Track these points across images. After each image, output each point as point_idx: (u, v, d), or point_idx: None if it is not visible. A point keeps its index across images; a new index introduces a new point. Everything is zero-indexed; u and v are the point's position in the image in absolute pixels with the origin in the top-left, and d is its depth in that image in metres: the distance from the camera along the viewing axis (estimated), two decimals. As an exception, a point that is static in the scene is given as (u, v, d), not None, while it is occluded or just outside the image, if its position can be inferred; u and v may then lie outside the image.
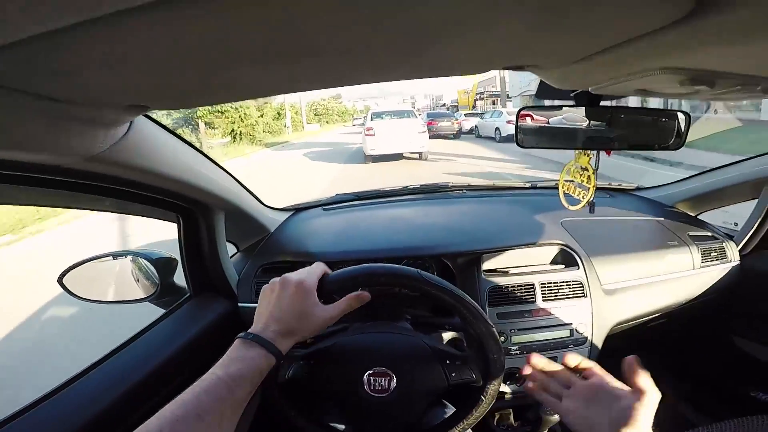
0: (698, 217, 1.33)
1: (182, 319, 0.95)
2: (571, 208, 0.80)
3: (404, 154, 10.00)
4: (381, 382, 0.65)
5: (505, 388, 0.99)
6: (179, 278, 1.02)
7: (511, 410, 1.14)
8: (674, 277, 1.11)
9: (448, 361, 0.67)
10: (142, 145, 0.60)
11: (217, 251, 0.98)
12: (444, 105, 56.01)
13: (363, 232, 1.20)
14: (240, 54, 0.33)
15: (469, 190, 1.45)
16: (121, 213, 0.82)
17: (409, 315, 0.83)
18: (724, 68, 0.37)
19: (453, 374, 0.66)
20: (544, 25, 0.31)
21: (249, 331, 0.55)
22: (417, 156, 9.98)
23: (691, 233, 1.19)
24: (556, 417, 0.91)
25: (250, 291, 1.06)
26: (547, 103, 0.74)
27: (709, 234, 1.21)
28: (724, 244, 1.18)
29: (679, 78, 0.40)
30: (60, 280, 0.90)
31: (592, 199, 0.75)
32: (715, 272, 1.15)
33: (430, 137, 13.10)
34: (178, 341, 0.86)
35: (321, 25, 0.28)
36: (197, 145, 0.82)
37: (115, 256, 1.01)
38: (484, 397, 0.65)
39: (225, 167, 0.94)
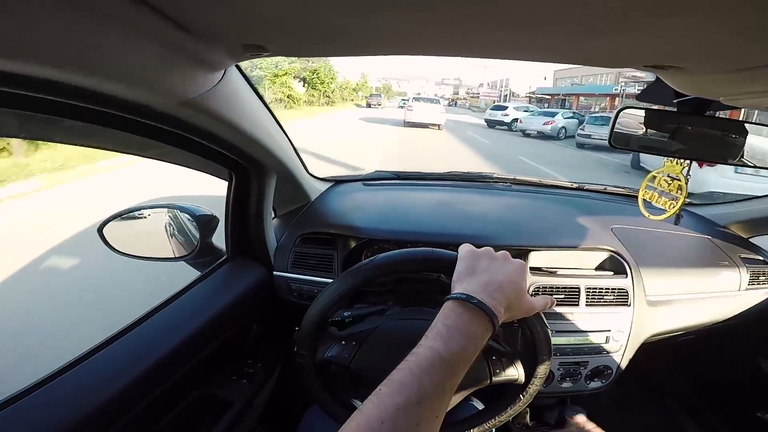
0: (750, 240, 1.29)
1: (217, 285, 0.90)
2: (653, 217, 0.75)
3: (428, 125, 17.08)
4: None
5: None
6: (217, 239, 0.97)
7: (528, 409, 1.13)
8: (718, 295, 1.09)
9: (494, 357, 0.63)
10: (229, 96, 0.60)
11: (263, 214, 0.94)
12: (511, 95, 36.45)
13: (410, 213, 1.16)
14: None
15: (514, 184, 1.40)
16: (175, 163, 0.76)
17: None
18: None
19: (497, 371, 0.63)
20: (718, 28, 0.29)
21: (466, 291, 0.44)
22: (437, 126, 16.98)
23: (743, 255, 1.16)
24: (581, 419, 0.90)
25: (286, 260, 1.02)
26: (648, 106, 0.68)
27: (761, 258, 1.17)
28: None
29: None
30: (100, 231, 0.86)
31: (679, 210, 0.70)
32: (759, 294, 1.12)
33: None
34: (211, 308, 0.82)
35: None
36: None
37: (157, 208, 0.96)
38: (524, 397, 0.62)
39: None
